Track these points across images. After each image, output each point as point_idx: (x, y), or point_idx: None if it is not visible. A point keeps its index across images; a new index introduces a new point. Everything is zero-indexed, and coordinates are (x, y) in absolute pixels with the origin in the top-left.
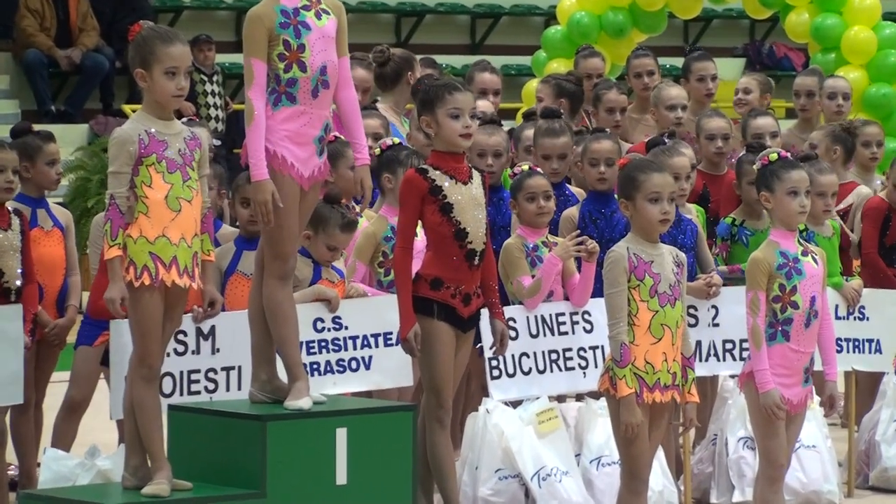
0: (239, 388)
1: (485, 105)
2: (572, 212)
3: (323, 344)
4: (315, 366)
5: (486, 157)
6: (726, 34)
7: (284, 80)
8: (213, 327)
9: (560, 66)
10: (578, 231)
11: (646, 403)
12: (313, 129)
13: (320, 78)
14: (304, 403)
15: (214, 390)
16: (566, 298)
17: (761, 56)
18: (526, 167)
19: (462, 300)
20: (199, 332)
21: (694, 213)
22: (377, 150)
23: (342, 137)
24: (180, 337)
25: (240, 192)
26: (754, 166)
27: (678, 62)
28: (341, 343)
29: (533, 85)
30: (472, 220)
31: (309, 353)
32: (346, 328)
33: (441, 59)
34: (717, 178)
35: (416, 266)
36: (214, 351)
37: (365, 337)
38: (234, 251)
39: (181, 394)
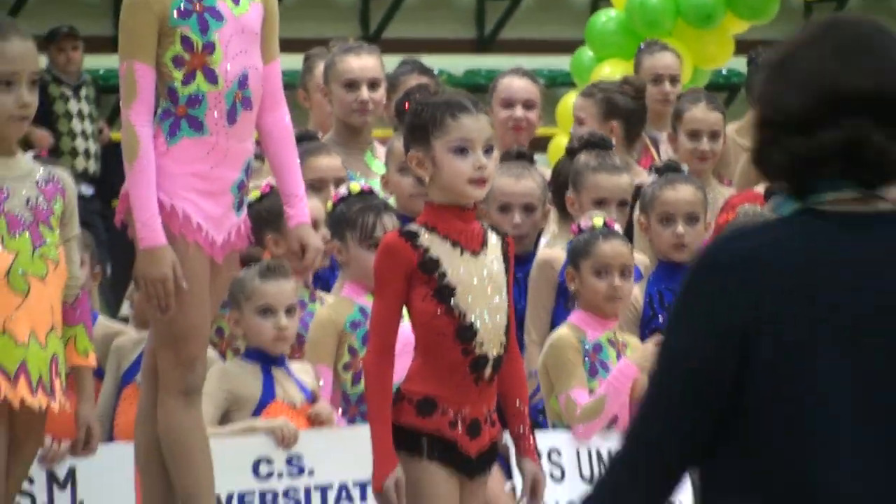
0: None
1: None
2: (633, 292)
3: (270, 500)
4: None
5: (511, 213)
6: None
7: (184, 97)
8: (71, 471)
9: (615, 70)
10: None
11: None
12: (230, 170)
13: (239, 94)
14: None
15: None
16: None
17: None
18: (599, 221)
19: (467, 430)
20: (51, 477)
21: None
22: (328, 205)
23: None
24: (25, 486)
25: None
26: None
27: None
28: (301, 499)
29: (571, 100)
30: (484, 310)
31: None
32: (311, 474)
33: (434, 60)
34: None
35: (397, 376)
36: None
37: (343, 488)
38: (139, 351)
39: None
